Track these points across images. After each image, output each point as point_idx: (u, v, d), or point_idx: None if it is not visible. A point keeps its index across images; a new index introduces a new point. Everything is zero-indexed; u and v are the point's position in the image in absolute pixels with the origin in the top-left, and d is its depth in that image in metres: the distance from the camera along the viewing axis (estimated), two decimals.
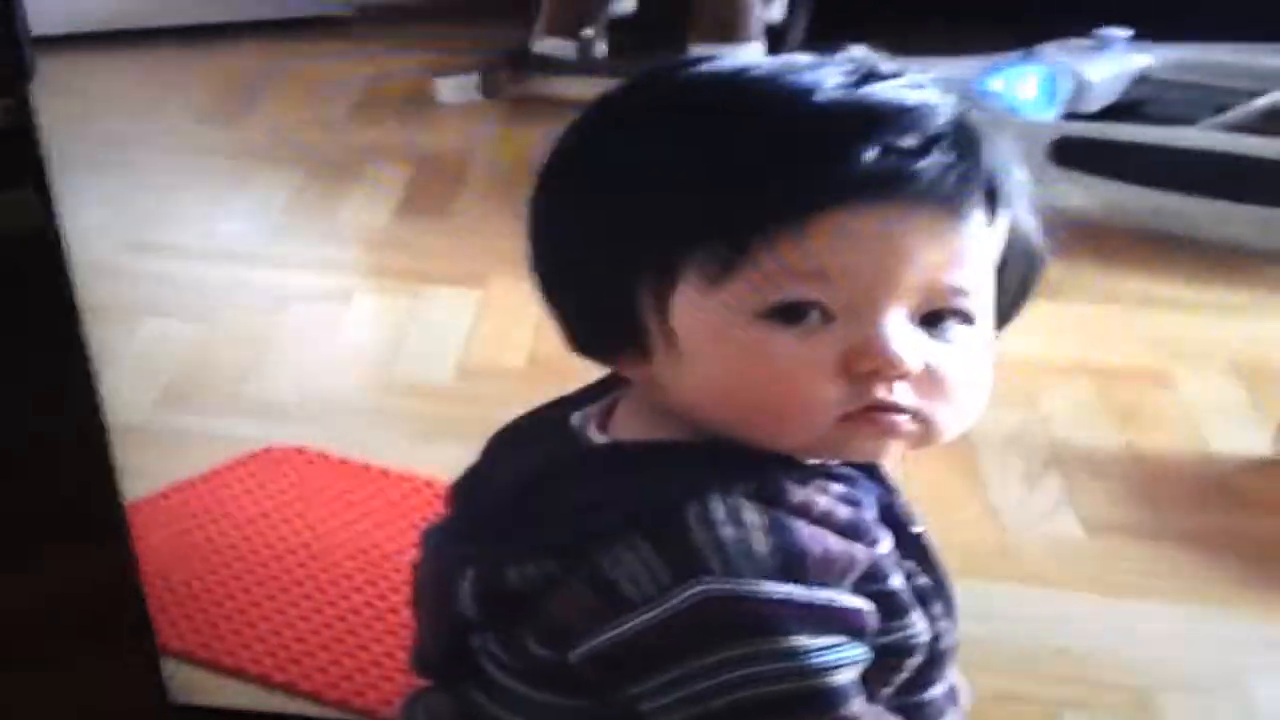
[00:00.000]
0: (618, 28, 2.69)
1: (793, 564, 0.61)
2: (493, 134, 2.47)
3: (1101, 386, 1.63)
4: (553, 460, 0.69)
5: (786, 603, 0.60)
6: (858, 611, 0.62)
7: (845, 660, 0.61)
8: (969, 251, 0.63)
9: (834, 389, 0.62)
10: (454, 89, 2.60)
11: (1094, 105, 2.21)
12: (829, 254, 0.61)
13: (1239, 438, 1.53)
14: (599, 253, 0.65)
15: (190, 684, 1.16)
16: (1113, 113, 2.21)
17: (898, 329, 0.62)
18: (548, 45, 2.61)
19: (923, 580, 0.67)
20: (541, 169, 0.68)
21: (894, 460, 0.67)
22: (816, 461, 0.66)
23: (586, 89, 2.60)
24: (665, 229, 0.62)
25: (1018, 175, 0.65)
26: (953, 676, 0.70)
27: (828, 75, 0.63)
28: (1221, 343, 1.72)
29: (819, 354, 0.62)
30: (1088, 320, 1.77)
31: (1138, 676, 1.17)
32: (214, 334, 1.75)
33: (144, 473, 1.42)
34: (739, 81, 0.64)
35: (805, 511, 0.63)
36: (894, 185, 0.60)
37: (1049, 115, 2.15)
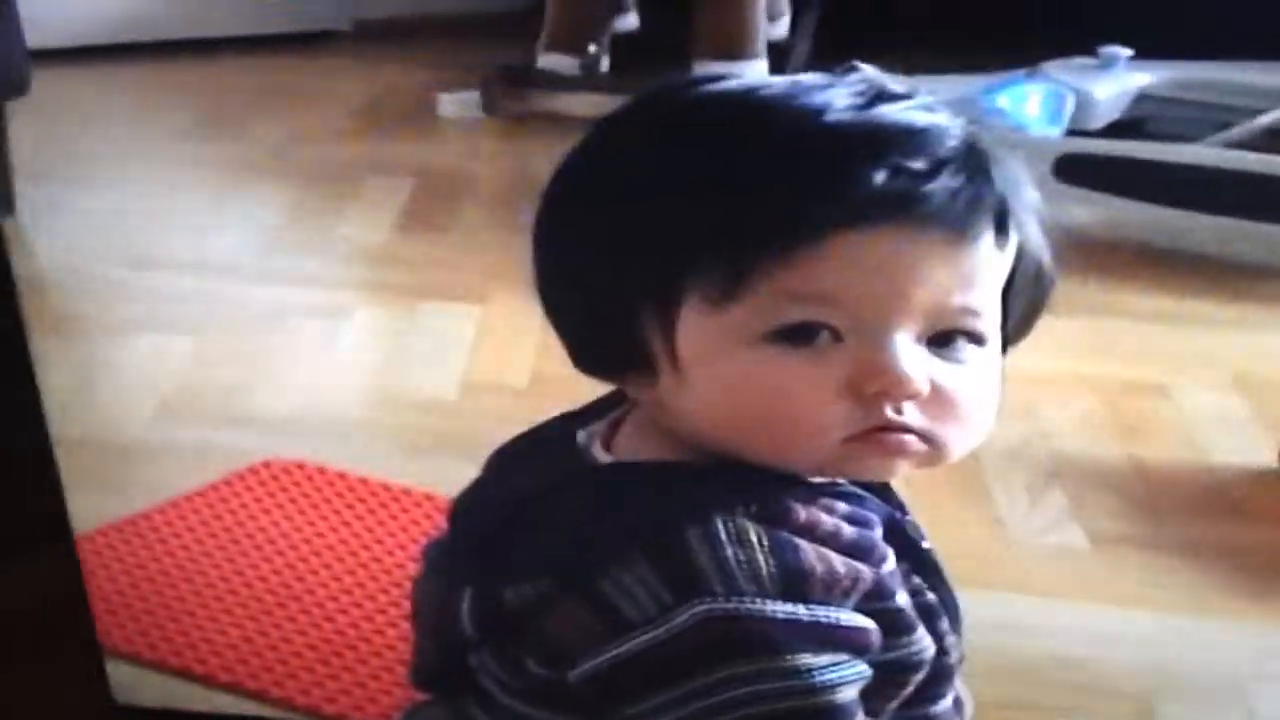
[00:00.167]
0: (621, 44, 2.70)
1: (796, 583, 0.61)
2: (494, 150, 2.48)
3: (1104, 400, 1.63)
4: (555, 479, 0.69)
5: (789, 622, 0.60)
6: (861, 630, 0.62)
7: (848, 678, 0.61)
8: (978, 273, 0.63)
9: (841, 410, 0.62)
10: (456, 104, 2.61)
11: (1097, 122, 2.23)
12: (837, 276, 0.61)
13: (1240, 450, 1.53)
14: (603, 273, 0.64)
15: (190, 699, 1.15)
16: (1116, 130, 2.22)
17: (906, 349, 0.62)
18: (551, 61, 2.62)
19: (930, 597, 0.67)
20: (547, 187, 0.68)
21: (900, 478, 0.66)
22: (824, 480, 0.66)
23: (589, 105, 2.64)
24: (670, 250, 0.62)
25: (1028, 197, 0.65)
26: (958, 688, 0.70)
27: (838, 96, 0.63)
28: (1222, 356, 1.72)
29: (826, 375, 0.62)
30: (1090, 334, 1.77)
31: (1140, 685, 1.17)
32: (211, 349, 1.75)
33: (141, 487, 1.42)
34: (748, 101, 0.64)
35: (810, 531, 0.63)
36: (903, 207, 0.60)
37: (1053, 132, 2.15)
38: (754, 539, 0.61)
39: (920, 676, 0.65)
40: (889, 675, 0.64)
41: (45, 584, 0.93)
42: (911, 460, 0.64)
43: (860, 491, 0.67)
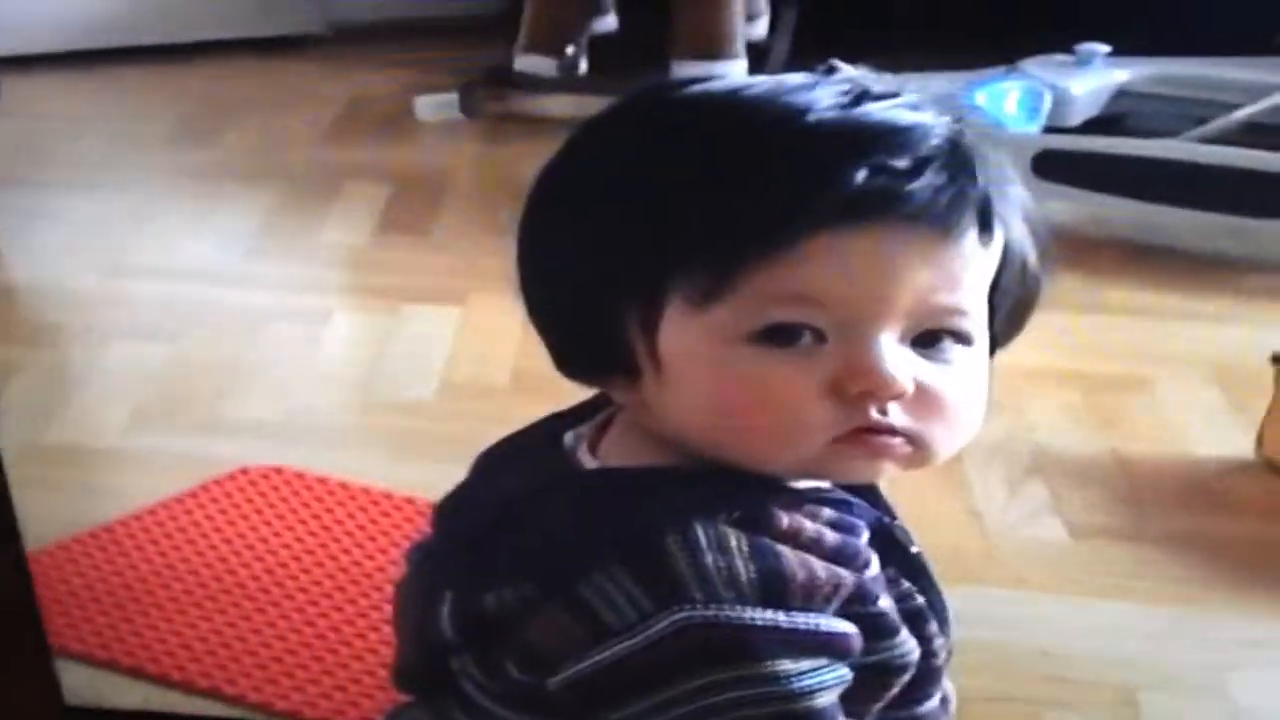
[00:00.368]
0: (599, 45, 2.70)
1: (776, 589, 0.60)
2: (473, 152, 2.48)
3: (1084, 393, 1.64)
4: (538, 483, 0.68)
5: (768, 629, 0.60)
6: (841, 635, 0.62)
7: (827, 683, 0.61)
8: (962, 272, 0.62)
9: (825, 411, 0.61)
10: (434, 107, 2.61)
11: (1075, 119, 2.23)
12: (820, 276, 0.60)
13: (1219, 442, 1.54)
14: (586, 275, 0.64)
15: (167, 704, 1.15)
16: (1094, 126, 2.23)
17: (890, 350, 0.61)
18: (529, 63, 2.62)
19: (918, 601, 0.67)
20: (531, 190, 0.68)
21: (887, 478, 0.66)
22: (809, 485, 0.65)
23: (568, 107, 2.64)
24: (654, 251, 0.62)
25: (1014, 194, 0.65)
26: (945, 687, 0.70)
27: (822, 95, 0.62)
28: (1201, 350, 1.72)
29: (810, 376, 0.61)
30: (1070, 329, 1.77)
31: (1120, 676, 1.17)
32: (188, 355, 1.74)
33: (117, 494, 1.42)
34: (732, 102, 0.63)
35: (792, 537, 0.62)
36: (886, 206, 0.60)
37: (1031, 129, 2.16)
38: (734, 545, 0.61)
39: (905, 679, 0.65)
40: (873, 678, 0.64)
41: None
42: (897, 461, 0.63)
43: (847, 497, 0.66)
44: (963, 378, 0.63)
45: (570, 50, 2.63)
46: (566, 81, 2.59)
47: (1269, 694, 1.16)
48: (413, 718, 0.73)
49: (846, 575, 0.62)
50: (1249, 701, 1.15)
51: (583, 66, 2.67)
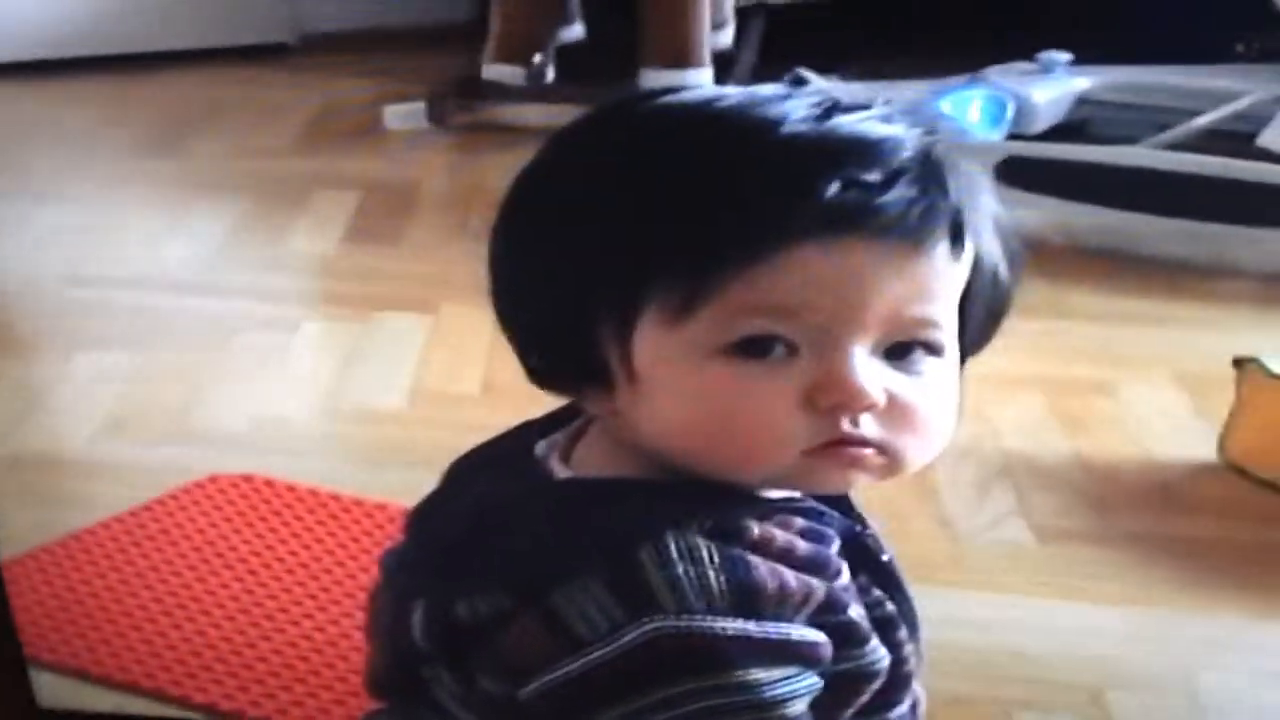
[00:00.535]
0: (567, 54, 2.71)
1: (747, 599, 0.61)
2: (442, 161, 2.48)
3: (1049, 398, 1.65)
4: (510, 492, 0.68)
5: (740, 638, 0.60)
6: (812, 644, 0.62)
7: (798, 691, 0.61)
8: (934, 284, 0.63)
9: (798, 423, 0.62)
10: (402, 116, 2.61)
11: (1038, 126, 2.25)
12: (792, 289, 0.60)
13: (1182, 445, 1.55)
14: (558, 288, 0.64)
15: (138, 712, 1.14)
16: (1057, 133, 2.25)
17: (862, 362, 0.62)
18: (497, 72, 2.62)
19: (889, 608, 0.67)
20: (503, 200, 0.68)
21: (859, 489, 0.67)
22: (781, 495, 0.66)
23: (536, 116, 2.65)
24: (627, 264, 0.62)
25: (985, 206, 0.65)
26: (916, 693, 0.70)
27: (794, 108, 0.62)
28: (1164, 354, 1.74)
29: (783, 388, 0.62)
30: (1035, 334, 1.78)
31: (1088, 676, 1.18)
32: (156, 364, 1.73)
33: (84, 503, 1.41)
34: (704, 114, 0.64)
35: (763, 547, 0.63)
36: (858, 219, 0.60)
37: (995, 136, 2.18)
38: (705, 556, 0.61)
39: (876, 686, 0.65)
40: (844, 685, 0.64)
41: None
42: (869, 472, 0.64)
43: (819, 506, 0.67)
44: (934, 389, 0.64)
45: (538, 59, 2.64)
46: (534, 90, 2.59)
47: (1234, 693, 1.17)
48: None
49: (817, 584, 0.63)
50: (1215, 700, 1.16)
51: (550, 75, 2.68)
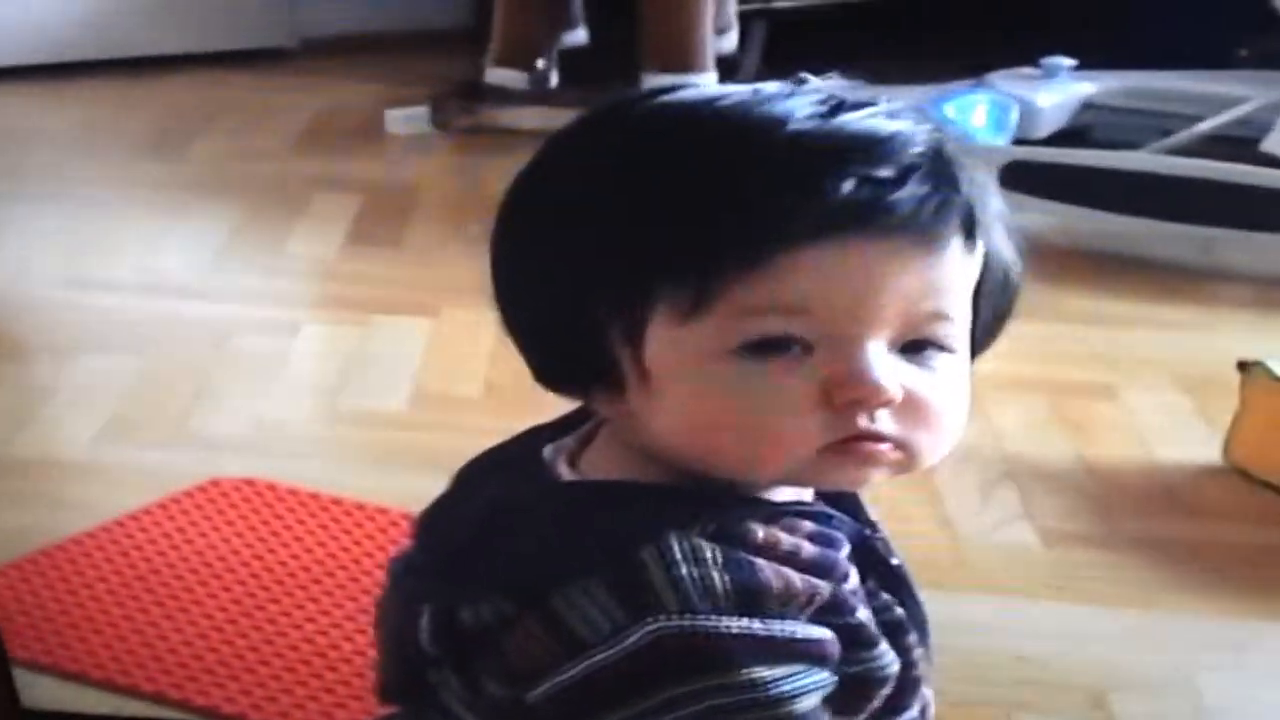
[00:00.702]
0: (570, 58, 2.71)
1: (751, 598, 0.60)
2: (443, 164, 2.48)
3: (1053, 401, 1.65)
4: (515, 496, 0.68)
5: (744, 636, 0.60)
6: (818, 641, 0.62)
7: (806, 688, 0.60)
8: (947, 280, 0.62)
9: (815, 420, 0.61)
10: (404, 120, 2.61)
11: (1042, 131, 2.25)
12: (807, 287, 0.60)
13: (1185, 448, 1.56)
14: (566, 289, 0.64)
15: (139, 715, 1.14)
16: (1061, 138, 2.25)
17: (878, 358, 0.61)
18: (499, 76, 2.62)
19: (898, 612, 0.66)
20: (504, 201, 0.67)
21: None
22: (788, 498, 0.65)
23: (538, 119, 2.65)
24: (636, 265, 0.62)
25: (994, 203, 0.65)
26: (925, 697, 0.70)
27: (800, 105, 0.62)
28: (1167, 357, 1.74)
29: (799, 386, 0.61)
30: (1039, 338, 1.79)
31: (1091, 678, 1.18)
32: (157, 368, 1.73)
33: (85, 506, 1.40)
34: (709, 111, 0.63)
35: (768, 549, 0.62)
36: (871, 216, 0.60)
37: (999, 141, 2.18)
38: (709, 557, 0.61)
39: (886, 691, 0.65)
40: (854, 689, 0.63)
41: None
42: (884, 468, 0.63)
43: (828, 510, 0.66)
44: (947, 384, 0.63)
45: (541, 63, 2.64)
46: (537, 94, 2.59)
47: (1236, 694, 1.17)
48: None
49: (823, 585, 0.62)
50: (1217, 702, 1.16)
51: (553, 79, 2.68)
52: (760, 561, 0.61)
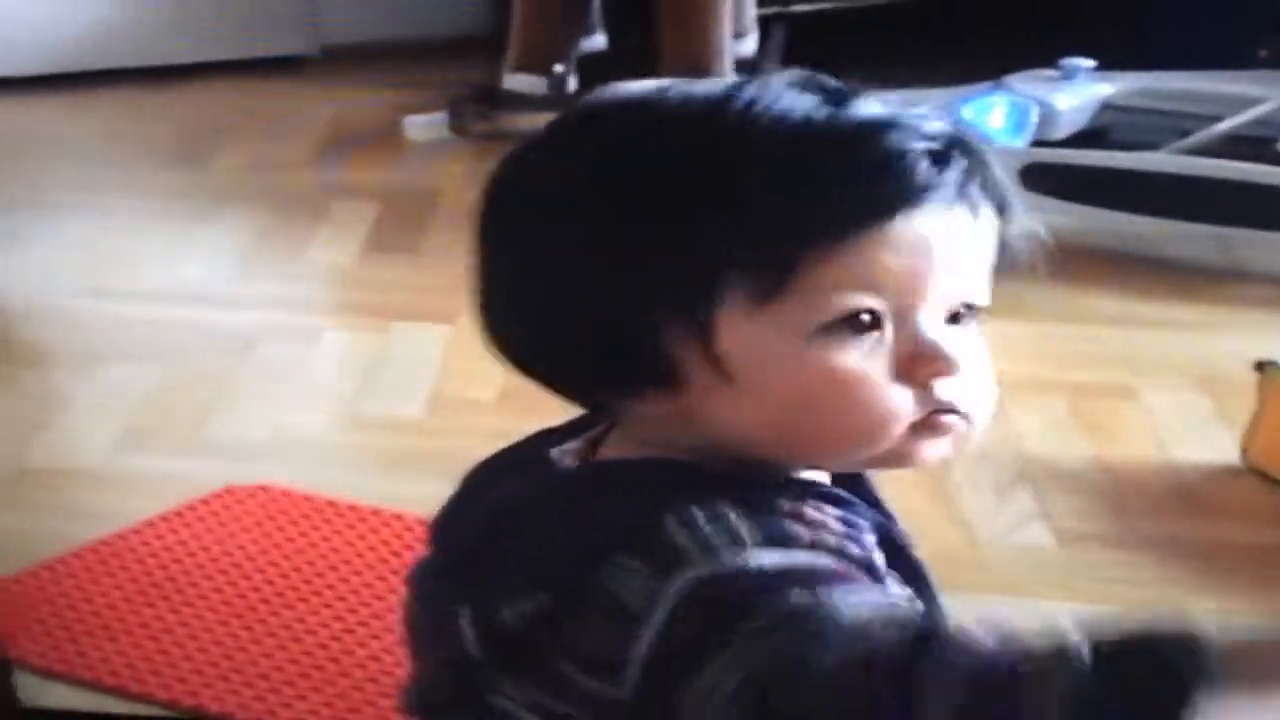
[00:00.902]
0: (588, 63, 2.71)
1: (778, 543, 0.60)
2: (462, 171, 2.48)
3: (1070, 401, 1.64)
4: (530, 491, 0.68)
5: (773, 571, 0.59)
6: (850, 571, 0.60)
7: (851, 601, 0.58)
8: (985, 249, 0.65)
9: (903, 395, 0.62)
10: (423, 127, 2.61)
11: (1061, 132, 2.24)
12: (880, 264, 0.61)
13: (1202, 448, 1.55)
14: (612, 290, 0.63)
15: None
16: (1080, 139, 2.24)
17: (944, 330, 0.63)
18: (518, 82, 2.63)
19: (917, 605, 0.66)
20: (497, 211, 0.67)
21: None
22: (813, 480, 0.65)
23: None
24: (704, 255, 0.62)
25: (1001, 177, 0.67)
26: None
27: (804, 100, 0.63)
28: (1185, 357, 1.73)
29: (882, 363, 0.62)
30: (1056, 338, 1.79)
31: None
32: (177, 376, 1.74)
33: (103, 514, 1.41)
34: (747, 103, 0.63)
35: (796, 517, 0.62)
36: (932, 191, 0.62)
37: (1018, 143, 2.17)
38: (731, 516, 0.60)
39: None
40: None
41: None
42: (955, 441, 0.64)
43: (850, 497, 0.66)
44: (982, 350, 0.65)
45: (559, 69, 2.64)
46: (555, 99, 2.59)
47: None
48: None
49: (853, 546, 0.62)
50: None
51: (572, 85, 2.68)
52: (786, 520, 0.61)
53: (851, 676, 0.55)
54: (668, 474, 0.64)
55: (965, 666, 0.54)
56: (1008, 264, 0.66)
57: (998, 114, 2.21)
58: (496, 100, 2.63)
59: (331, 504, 1.44)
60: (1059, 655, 0.53)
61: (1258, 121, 2.09)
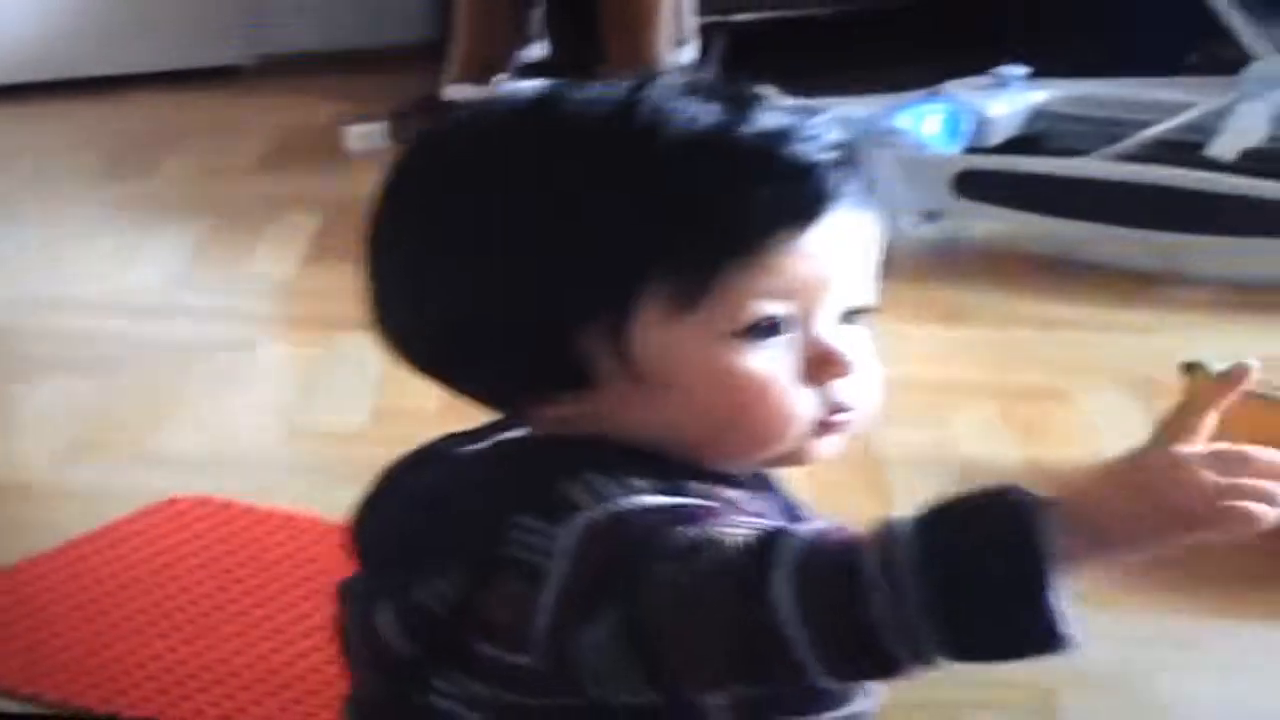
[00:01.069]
0: (530, 73, 2.71)
1: (673, 494, 0.62)
2: None
3: (1004, 404, 1.67)
4: (436, 480, 0.69)
5: (664, 508, 0.61)
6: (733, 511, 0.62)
7: (739, 529, 0.60)
8: (872, 249, 0.67)
9: (807, 397, 0.65)
10: (364, 137, 2.61)
11: (995, 139, 2.28)
12: (793, 271, 0.64)
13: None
14: (528, 297, 0.64)
15: None
16: (1013, 146, 2.28)
17: (838, 332, 0.66)
18: (460, 91, 2.63)
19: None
20: (393, 225, 0.68)
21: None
22: (723, 470, 0.67)
23: None
24: (623, 265, 0.63)
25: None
26: (870, 689, 0.71)
27: (707, 107, 0.64)
28: (1116, 360, 1.76)
29: (789, 366, 0.65)
30: (991, 343, 1.81)
31: (1038, 676, 1.18)
32: (118, 388, 1.73)
33: (45, 527, 1.41)
34: (639, 111, 0.64)
35: (702, 494, 0.64)
36: (835, 197, 0.64)
37: (953, 149, 2.20)
38: (635, 484, 0.62)
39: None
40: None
41: None
42: (846, 437, 0.67)
43: (757, 483, 0.68)
44: (869, 348, 0.68)
45: (501, 78, 2.65)
46: None
47: (1183, 690, 1.19)
48: None
49: (758, 522, 0.62)
50: (1163, 698, 1.17)
51: None
52: (694, 498, 0.63)
53: (713, 587, 0.57)
54: (573, 448, 0.65)
55: (807, 541, 0.57)
56: (884, 265, 0.68)
57: (933, 121, 2.24)
58: (438, 110, 2.63)
59: (273, 514, 1.44)
60: (889, 523, 0.57)
61: (1186, 127, 2.12)
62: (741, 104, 0.65)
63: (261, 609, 1.30)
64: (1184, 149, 2.11)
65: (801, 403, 0.65)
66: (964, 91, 2.30)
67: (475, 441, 0.71)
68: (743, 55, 2.77)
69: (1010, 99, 2.32)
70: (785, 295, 0.64)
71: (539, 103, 0.67)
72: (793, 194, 0.63)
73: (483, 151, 0.67)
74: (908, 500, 1.55)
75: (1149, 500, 0.55)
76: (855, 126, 2.10)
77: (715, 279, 0.63)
